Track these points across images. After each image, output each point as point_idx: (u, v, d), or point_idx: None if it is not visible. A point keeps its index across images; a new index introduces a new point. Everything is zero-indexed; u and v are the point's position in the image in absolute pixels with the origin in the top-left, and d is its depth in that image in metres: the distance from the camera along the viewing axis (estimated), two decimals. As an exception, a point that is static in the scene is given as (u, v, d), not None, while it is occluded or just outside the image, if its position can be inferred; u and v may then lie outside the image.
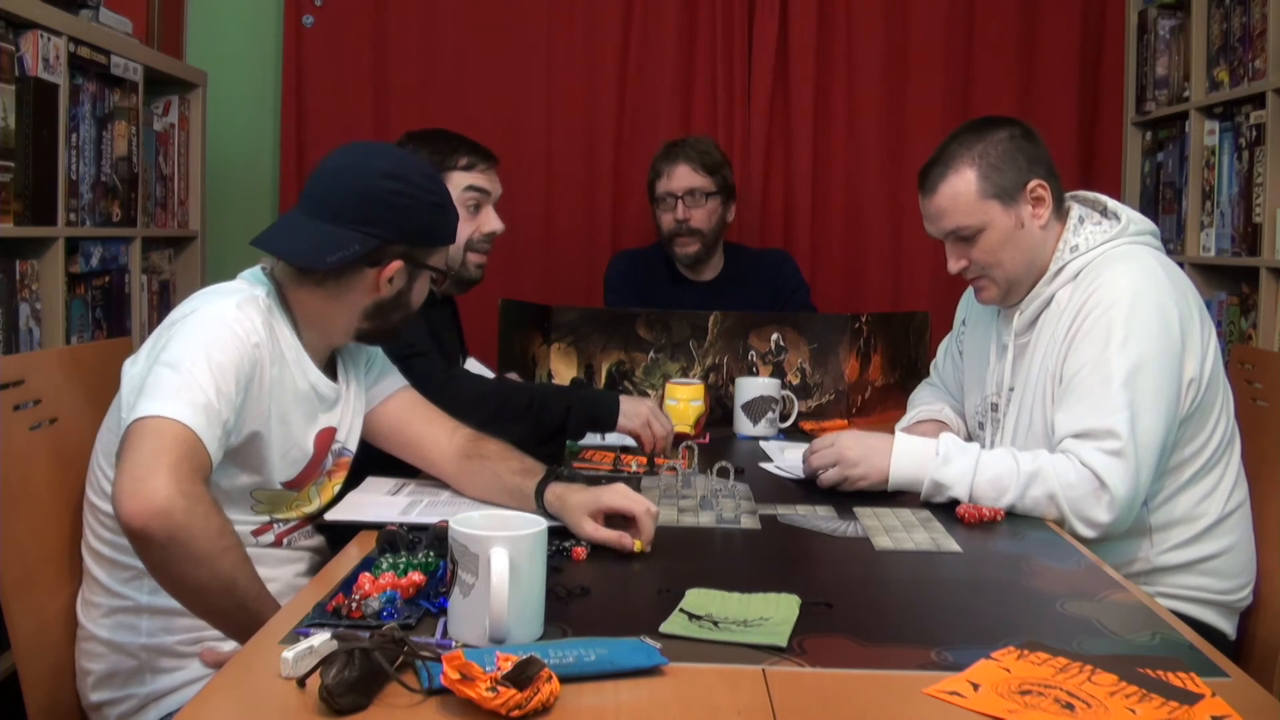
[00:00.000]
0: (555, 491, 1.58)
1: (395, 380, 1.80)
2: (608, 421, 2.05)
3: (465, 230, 2.12)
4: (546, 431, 2.00)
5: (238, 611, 1.36)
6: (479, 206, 2.18)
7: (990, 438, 2.01)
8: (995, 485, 1.73)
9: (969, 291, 2.10)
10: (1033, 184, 1.87)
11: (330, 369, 1.67)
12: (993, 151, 1.87)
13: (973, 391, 2.11)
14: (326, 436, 1.64)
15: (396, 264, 1.58)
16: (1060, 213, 1.92)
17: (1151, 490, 1.79)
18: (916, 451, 1.79)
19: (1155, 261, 1.83)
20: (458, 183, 2.13)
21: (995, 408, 2.00)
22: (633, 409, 2.05)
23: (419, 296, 1.66)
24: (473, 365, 2.32)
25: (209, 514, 1.33)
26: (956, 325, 2.23)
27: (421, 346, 1.96)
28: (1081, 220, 1.90)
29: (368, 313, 1.62)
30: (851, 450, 1.82)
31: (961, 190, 1.87)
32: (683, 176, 2.83)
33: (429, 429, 1.78)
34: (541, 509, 1.57)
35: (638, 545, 1.49)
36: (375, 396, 1.77)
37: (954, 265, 1.93)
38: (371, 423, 1.76)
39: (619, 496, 1.51)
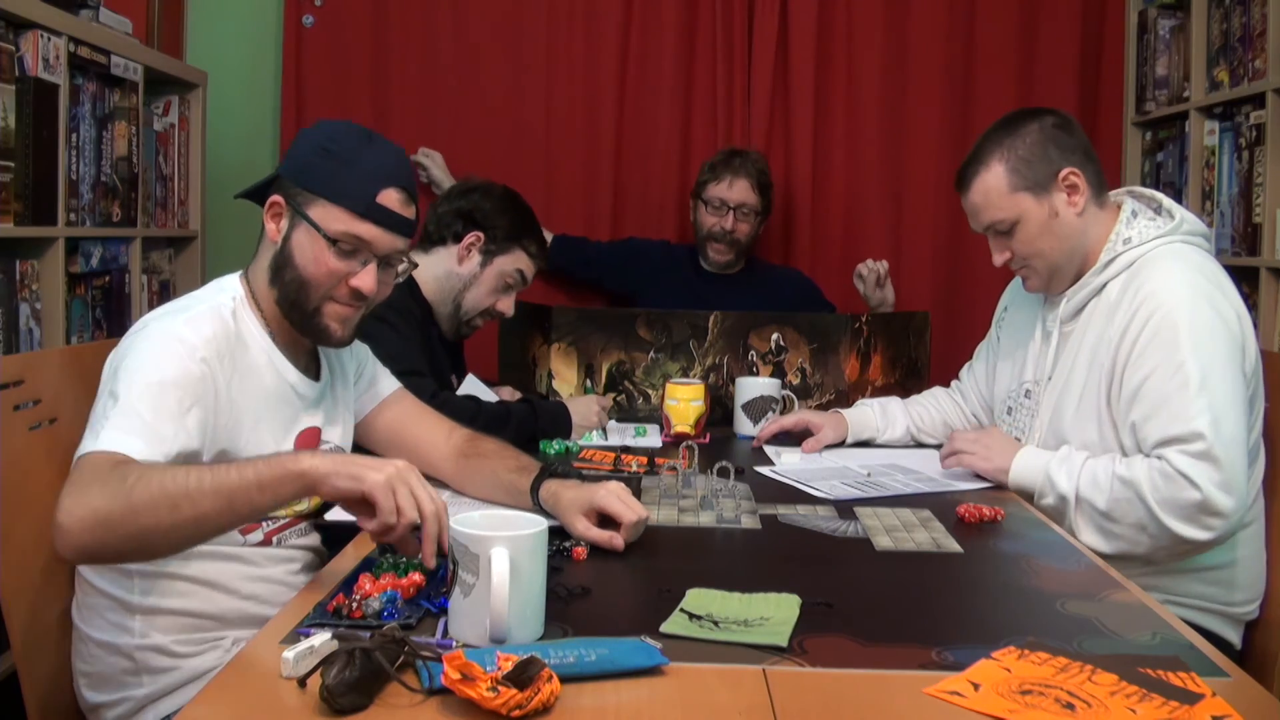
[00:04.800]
0: (550, 488, 1.58)
1: (389, 384, 1.80)
2: (566, 429, 2.21)
3: (489, 299, 2.34)
4: (518, 441, 2.08)
5: (202, 506, 1.26)
6: (511, 289, 2.36)
7: (1023, 424, 2.02)
8: (1094, 484, 1.77)
9: (1016, 280, 2.14)
10: (1065, 172, 1.89)
11: (314, 370, 1.64)
12: (1021, 145, 1.90)
13: (1006, 376, 2.12)
14: (310, 436, 1.61)
15: (275, 198, 1.54)
16: (1101, 199, 1.94)
17: None
18: (1038, 453, 1.88)
19: (1206, 262, 1.85)
20: (516, 259, 2.34)
21: (1029, 394, 2.01)
22: (584, 411, 2.23)
23: (302, 255, 1.52)
24: (471, 381, 2.33)
25: (119, 483, 1.24)
26: (998, 313, 2.24)
27: (415, 366, 1.99)
28: (1135, 214, 1.93)
29: (271, 272, 1.55)
30: (987, 440, 1.96)
31: (992, 185, 1.91)
32: (742, 190, 2.96)
33: (426, 431, 1.78)
34: (537, 505, 1.58)
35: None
36: (370, 401, 1.77)
37: (998, 259, 1.98)
38: (369, 428, 1.76)
39: (611, 499, 1.50)
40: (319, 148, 1.53)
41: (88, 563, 1.34)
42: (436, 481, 1.79)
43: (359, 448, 1.75)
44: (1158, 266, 1.83)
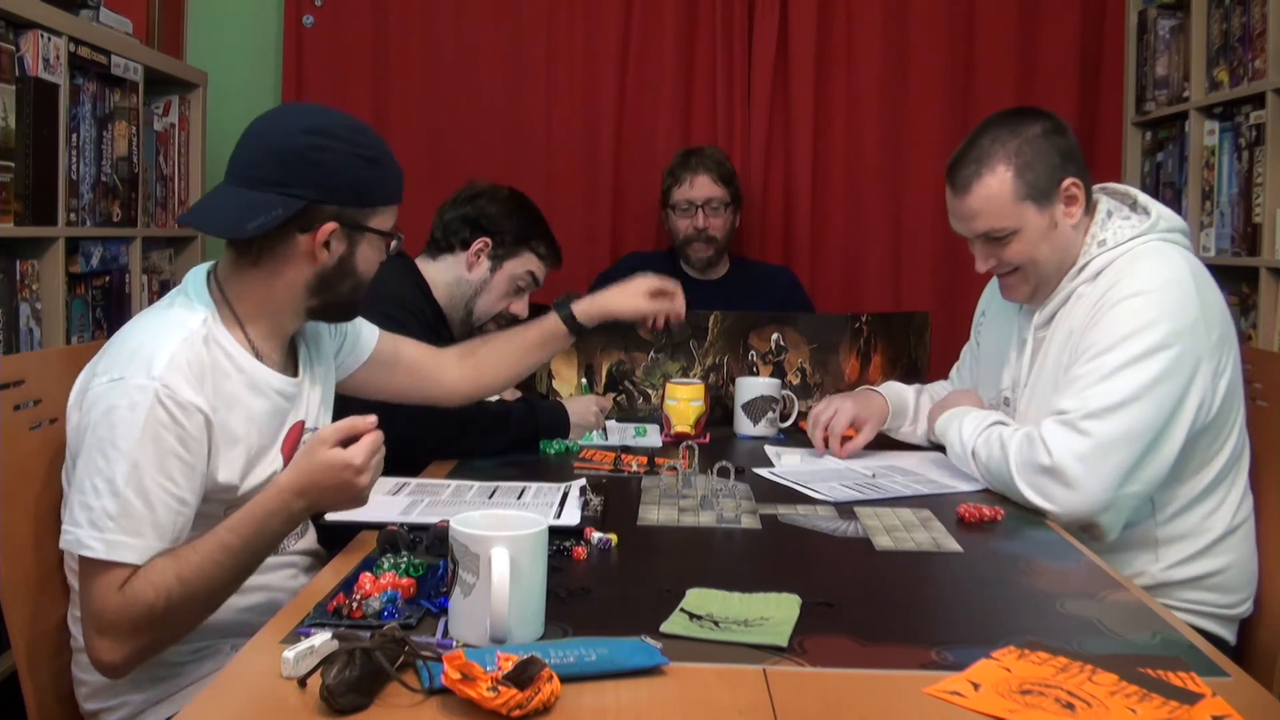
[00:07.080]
0: (583, 303, 1.74)
1: (371, 332, 1.78)
2: (564, 429, 2.19)
3: (501, 303, 2.35)
4: (518, 441, 2.14)
5: (232, 590, 1.40)
6: (523, 291, 2.38)
7: None
8: (987, 441, 1.82)
9: (993, 283, 2.07)
10: (1067, 183, 1.82)
11: (291, 359, 1.58)
12: (1028, 149, 1.81)
13: (986, 385, 2.09)
14: (295, 432, 1.56)
15: (329, 226, 1.44)
16: (1089, 207, 1.87)
17: (1161, 503, 1.78)
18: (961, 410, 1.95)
19: (1183, 261, 1.79)
20: (526, 262, 2.35)
21: (1008, 402, 1.98)
22: (582, 411, 2.22)
23: (367, 264, 1.52)
24: None
25: (151, 619, 1.33)
26: (976, 318, 2.21)
27: None
28: (1110, 214, 1.86)
29: (312, 287, 1.48)
30: (850, 399, 2.08)
31: (996, 192, 1.81)
32: (704, 186, 2.94)
33: (419, 356, 1.85)
34: (573, 326, 1.77)
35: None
36: (356, 360, 1.75)
37: (982, 265, 1.90)
38: (362, 380, 1.76)
39: (654, 279, 1.87)
40: (358, 158, 1.45)
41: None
42: (437, 481, 1.78)
43: (359, 401, 1.68)
44: (1131, 266, 1.78)
